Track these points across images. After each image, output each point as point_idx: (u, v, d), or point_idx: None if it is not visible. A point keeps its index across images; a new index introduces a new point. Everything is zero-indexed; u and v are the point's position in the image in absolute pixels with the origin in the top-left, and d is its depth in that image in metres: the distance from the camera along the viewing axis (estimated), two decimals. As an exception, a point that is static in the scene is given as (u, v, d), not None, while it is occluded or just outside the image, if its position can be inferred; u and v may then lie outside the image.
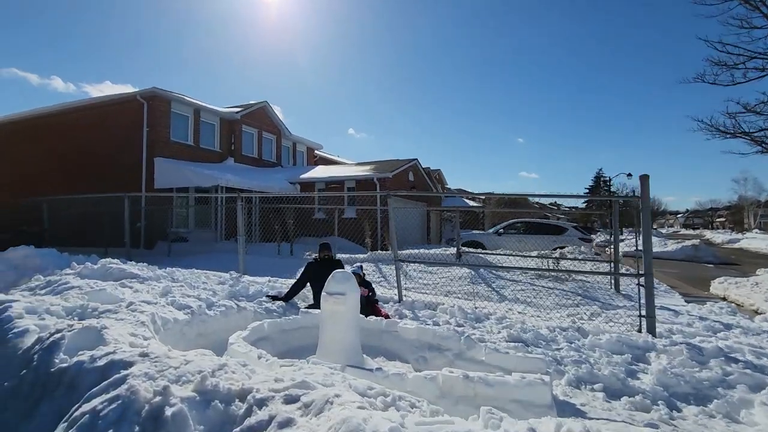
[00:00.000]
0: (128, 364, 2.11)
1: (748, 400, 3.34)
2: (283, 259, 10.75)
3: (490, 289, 7.89)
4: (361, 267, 5.50)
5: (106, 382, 1.96)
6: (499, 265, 8.70)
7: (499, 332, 4.71)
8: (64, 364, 2.16)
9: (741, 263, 19.42)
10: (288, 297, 5.49)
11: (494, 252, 9.58)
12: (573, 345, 4.42)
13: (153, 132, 13.44)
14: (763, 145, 9.32)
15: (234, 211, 14.32)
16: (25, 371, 2.19)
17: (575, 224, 14.16)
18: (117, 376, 2.00)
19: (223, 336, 4.52)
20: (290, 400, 1.84)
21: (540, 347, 4.31)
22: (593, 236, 15.78)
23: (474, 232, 16.14)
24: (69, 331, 2.42)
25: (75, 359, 2.17)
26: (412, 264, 9.28)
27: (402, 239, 14.92)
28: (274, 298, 5.49)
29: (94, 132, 14.30)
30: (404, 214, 16.20)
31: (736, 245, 32.90)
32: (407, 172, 16.95)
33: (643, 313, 4.95)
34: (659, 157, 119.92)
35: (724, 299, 9.75)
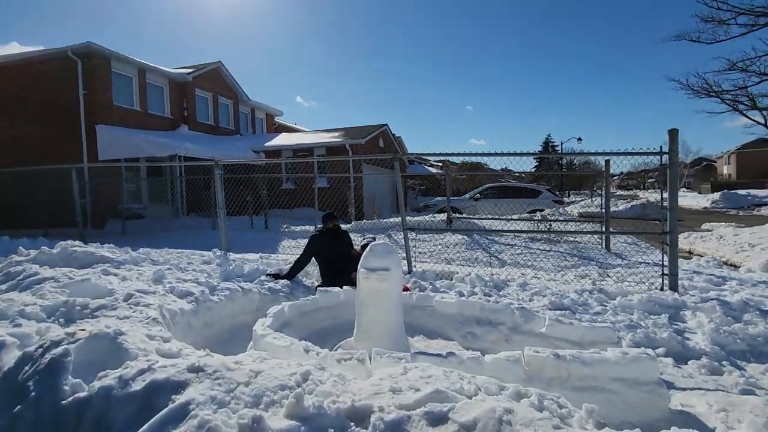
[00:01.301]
0: (180, 386, 1.51)
1: (804, 353, 3.30)
2: (259, 234, 9.94)
3: (487, 254, 7.69)
4: (374, 238, 4.98)
5: (159, 418, 1.36)
6: (493, 229, 8.52)
7: (531, 299, 4.45)
8: (82, 393, 1.51)
9: (682, 219, 20.96)
10: (291, 274, 4.91)
11: (484, 217, 9.39)
12: (609, 308, 4.25)
13: (92, 95, 11.70)
14: (734, 103, 9.62)
15: (196, 183, 13.07)
16: (20, 406, 1.52)
17: (548, 187, 14.36)
18: (172, 406, 1.40)
19: (228, 323, 3.91)
20: (436, 419, 1.36)
21: (578, 312, 4.09)
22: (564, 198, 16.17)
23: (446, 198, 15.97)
24: (71, 342, 1.74)
25: (97, 384, 1.53)
26: (402, 232, 8.88)
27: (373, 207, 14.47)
28: (276, 276, 4.88)
29: (16, 95, 12.23)
30: (376, 182, 15.68)
31: (666, 204, 35.60)
32: (377, 138, 16.28)
33: (666, 271, 4.88)
34: (600, 121, 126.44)
35: (690, 253, 10.29)
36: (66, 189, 9.35)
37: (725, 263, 8.92)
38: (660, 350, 3.32)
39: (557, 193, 14.12)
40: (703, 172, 63.94)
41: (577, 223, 9.71)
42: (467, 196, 14.37)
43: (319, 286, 4.53)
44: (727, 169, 56.58)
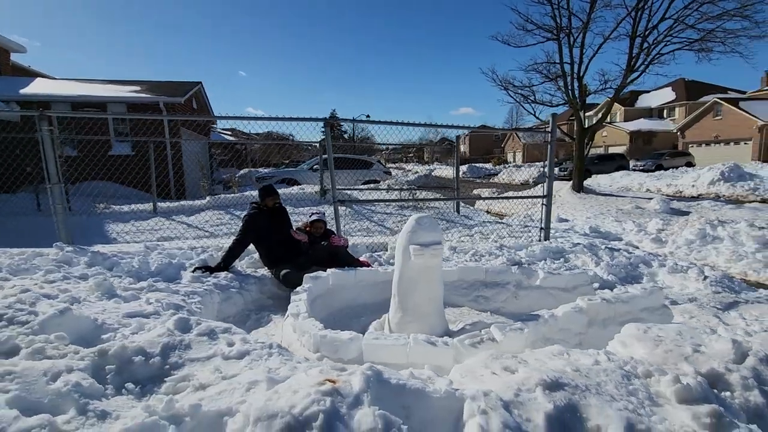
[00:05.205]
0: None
1: (653, 272, 4.90)
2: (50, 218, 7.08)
3: (373, 223, 7.86)
4: (323, 213, 4.40)
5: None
6: (364, 198, 8.72)
7: (478, 260, 4.90)
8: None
9: (451, 187, 26.40)
10: (228, 263, 3.91)
11: (359, 188, 9.43)
12: (526, 256, 5.12)
13: None
14: (520, 97, 12.54)
15: None
16: None
17: (378, 159, 15.46)
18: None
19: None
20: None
21: (522, 262, 4.79)
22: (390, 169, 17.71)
23: (284, 169, 15.23)
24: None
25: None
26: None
27: (189, 178, 12.49)
28: (208, 269, 3.77)
29: None
30: (185, 151, 13.48)
31: (434, 174, 44.21)
32: (192, 99, 13.75)
33: (543, 225, 6.19)
34: (379, 100, 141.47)
35: (488, 212, 13.17)
36: None
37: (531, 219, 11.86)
38: (595, 285, 4.31)
39: (384, 164, 15.40)
40: (448, 149, 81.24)
41: (430, 191, 10.92)
42: (305, 166, 14.01)
43: (286, 272, 3.74)
44: (463, 147, 73.19)
